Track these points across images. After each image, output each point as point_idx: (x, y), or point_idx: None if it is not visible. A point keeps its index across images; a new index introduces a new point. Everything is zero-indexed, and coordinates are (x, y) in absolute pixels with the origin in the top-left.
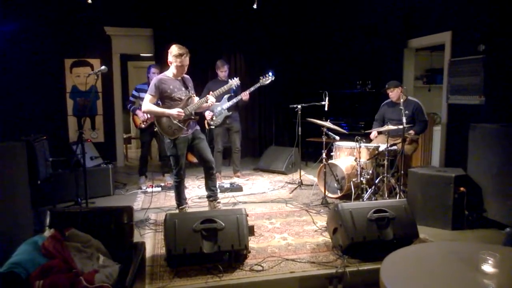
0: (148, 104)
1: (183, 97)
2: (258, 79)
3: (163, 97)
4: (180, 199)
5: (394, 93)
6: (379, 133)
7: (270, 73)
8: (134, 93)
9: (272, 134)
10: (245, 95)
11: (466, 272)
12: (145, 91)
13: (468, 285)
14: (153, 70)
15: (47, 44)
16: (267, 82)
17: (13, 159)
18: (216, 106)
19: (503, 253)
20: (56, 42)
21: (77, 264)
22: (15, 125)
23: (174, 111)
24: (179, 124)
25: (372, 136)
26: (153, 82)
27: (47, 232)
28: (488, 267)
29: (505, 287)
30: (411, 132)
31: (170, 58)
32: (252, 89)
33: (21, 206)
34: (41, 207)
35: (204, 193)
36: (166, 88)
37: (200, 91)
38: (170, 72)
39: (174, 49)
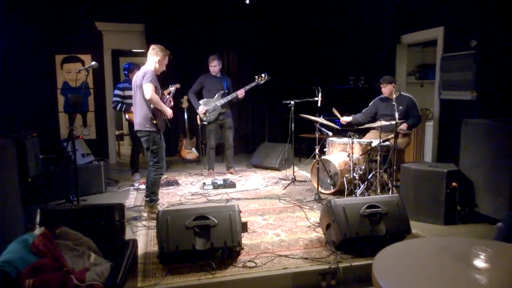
0: (155, 94)
1: (160, 92)
2: (254, 79)
3: (155, 88)
4: (157, 194)
5: (386, 89)
6: (372, 128)
7: (266, 74)
8: (118, 92)
9: (265, 130)
10: (241, 93)
11: (458, 267)
12: (130, 89)
13: (460, 280)
14: (137, 71)
15: (38, 40)
16: (263, 82)
17: (2, 156)
18: (210, 102)
19: (495, 248)
20: (46, 38)
21: (68, 263)
22: (4, 121)
23: (170, 110)
24: (167, 120)
25: (341, 119)
26: (153, 74)
27: (38, 230)
28: (480, 262)
29: (496, 282)
30: (403, 126)
31: (160, 54)
32: (247, 87)
33: (11, 204)
34: (31, 205)
35: (197, 190)
36: (158, 83)
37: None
38: (153, 68)
39: (163, 48)
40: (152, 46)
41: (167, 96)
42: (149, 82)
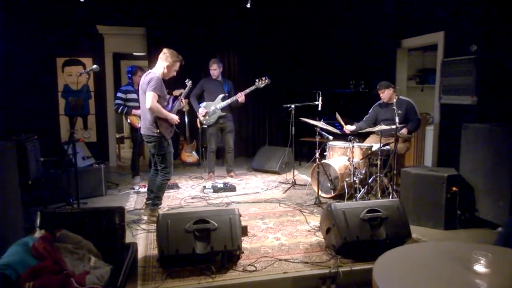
0: (156, 103)
1: (167, 98)
2: (254, 82)
3: (159, 97)
4: (162, 198)
5: (385, 94)
6: (372, 133)
7: (266, 77)
8: (121, 95)
9: (265, 133)
10: (240, 97)
11: (458, 272)
12: (133, 92)
13: (460, 285)
14: (140, 73)
15: (39, 43)
16: (263, 85)
17: (3, 159)
18: (210, 105)
19: (495, 253)
20: (48, 41)
21: (68, 266)
22: (5, 124)
23: (175, 117)
24: (174, 126)
25: (345, 128)
26: (158, 81)
27: (38, 233)
28: (480, 267)
29: (496, 287)
30: (404, 131)
31: (169, 60)
32: (247, 91)
33: (12, 207)
34: (32, 207)
35: (197, 193)
36: (163, 89)
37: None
38: (161, 73)
39: (175, 53)
40: (163, 50)
41: (179, 97)
42: (152, 91)
